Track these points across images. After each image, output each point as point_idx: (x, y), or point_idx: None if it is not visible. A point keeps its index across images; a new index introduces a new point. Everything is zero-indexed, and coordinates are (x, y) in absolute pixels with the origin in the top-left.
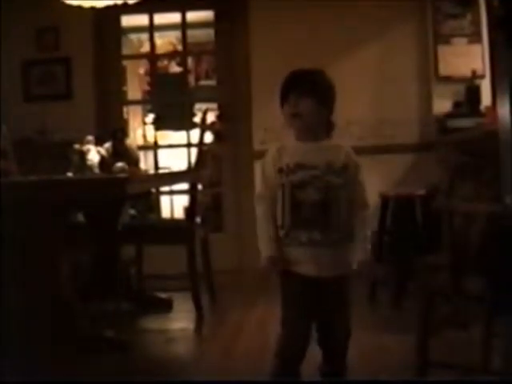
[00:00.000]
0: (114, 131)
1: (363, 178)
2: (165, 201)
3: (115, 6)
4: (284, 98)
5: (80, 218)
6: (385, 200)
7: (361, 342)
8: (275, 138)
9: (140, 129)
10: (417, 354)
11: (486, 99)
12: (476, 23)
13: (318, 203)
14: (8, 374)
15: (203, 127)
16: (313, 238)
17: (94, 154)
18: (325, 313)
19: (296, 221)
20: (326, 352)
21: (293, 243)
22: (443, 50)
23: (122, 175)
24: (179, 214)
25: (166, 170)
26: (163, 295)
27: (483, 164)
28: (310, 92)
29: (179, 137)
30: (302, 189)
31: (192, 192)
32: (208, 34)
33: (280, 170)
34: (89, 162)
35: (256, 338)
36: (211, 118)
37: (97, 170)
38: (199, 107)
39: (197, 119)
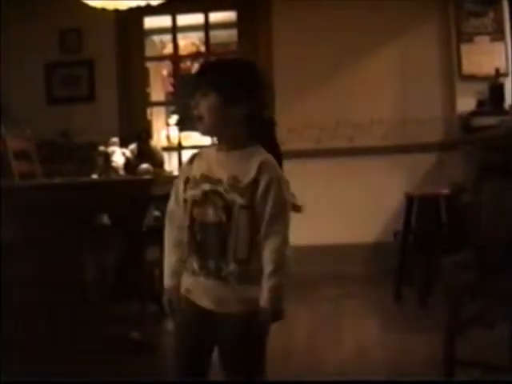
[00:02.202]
0: (138, 133)
1: (281, 199)
2: None
3: (138, 7)
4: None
5: (105, 219)
6: (409, 199)
7: (387, 341)
8: (298, 138)
9: (164, 130)
10: (444, 353)
11: (509, 97)
12: (499, 21)
13: (214, 226)
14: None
15: None
16: (207, 266)
17: (118, 156)
18: (222, 351)
19: (191, 245)
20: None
21: (188, 271)
22: (466, 49)
23: (147, 177)
24: None
25: None
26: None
27: (508, 161)
28: (209, 88)
29: (203, 138)
30: (200, 207)
31: None
32: (231, 34)
33: (186, 182)
34: (113, 164)
35: (280, 340)
36: None
37: (122, 172)
38: None
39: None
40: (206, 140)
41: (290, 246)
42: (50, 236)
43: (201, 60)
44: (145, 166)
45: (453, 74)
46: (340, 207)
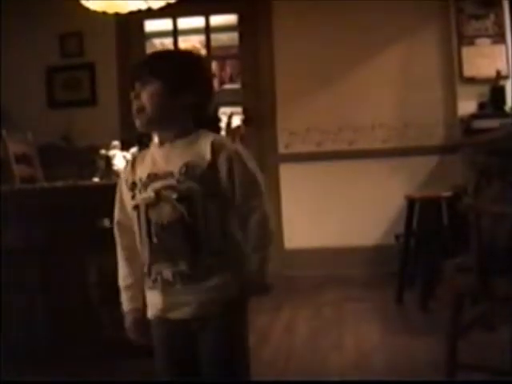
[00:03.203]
0: (139, 136)
1: (249, 173)
2: None
3: (139, 11)
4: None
5: (106, 223)
6: (411, 202)
7: (388, 344)
8: (300, 141)
9: None
10: (445, 356)
11: (510, 100)
12: (499, 24)
13: (176, 223)
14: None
15: (228, 131)
16: (179, 270)
17: (119, 159)
18: (207, 357)
19: (153, 252)
20: None
21: (155, 285)
22: (467, 51)
23: None
24: None
25: None
26: None
27: (509, 164)
28: (153, 77)
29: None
30: (155, 207)
31: None
32: (232, 37)
33: (133, 187)
34: (115, 168)
35: (281, 343)
36: (236, 121)
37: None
38: (224, 111)
39: (221, 123)
40: None
41: (272, 219)
42: (51, 239)
43: None
44: None
45: (454, 76)
46: (341, 210)
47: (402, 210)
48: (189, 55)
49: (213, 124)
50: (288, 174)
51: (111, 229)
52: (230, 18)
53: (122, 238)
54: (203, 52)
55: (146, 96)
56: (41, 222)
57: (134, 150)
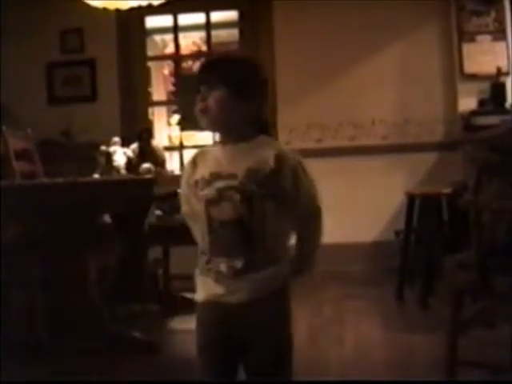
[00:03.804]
0: (139, 132)
1: (307, 180)
2: None
3: (139, 7)
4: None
5: (107, 219)
6: (411, 199)
7: (388, 341)
8: (300, 138)
9: (165, 130)
10: (446, 353)
11: (511, 96)
12: (500, 20)
13: (235, 222)
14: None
15: None
16: (233, 266)
17: (120, 156)
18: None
19: (214, 246)
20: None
21: (210, 272)
22: (468, 48)
23: (149, 176)
24: None
25: None
26: (190, 296)
27: (509, 161)
28: (218, 82)
29: (205, 137)
30: (217, 205)
31: None
32: (232, 34)
33: (196, 183)
34: (115, 164)
35: None
36: None
37: (123, 172)
38: None
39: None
40: (207, 139)
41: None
42: (51, 236)
43: (202, 59)
44: (146, 165)
45: (454, 73)
46: (341, 206)
47: (401, 207)
48: (253, 62)
49: (265, 128)
50: None
51: (111, 225)
52: (230, 15)
53: (194, 223)
54: (204, 48)
55: (212, 100)
56: (41, 218)
57: (134, 146)
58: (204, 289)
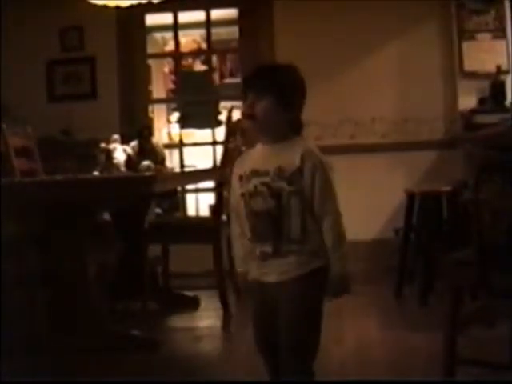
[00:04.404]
0: (139, 130)
1: (327, 181)
2: (190, 199)
3: (140, 4)
4: (243, 97)
5: (106, 216)
6: (410, 197)
7: (387, 339)
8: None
9: (165, 127)
10: (445, 351)
11: (511, 95)
12: (500, 19)
13: (265, 213)
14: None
15: (229, 125)
16: (265, 250)
17: (120, 153)
18: (283, 310)
19: (252, 233)
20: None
21: (253, 257)
22: (468, 46)
23: (148, 174)
24: (205, 212)
25: (192, 169)
26: (190, 293)
27: (509, 159)
28: (266, 92)
29: (204, 135)
30: (254, 198)
31: (217, 190)
32: (232, 31)
33: (240, 178)
34: (115, 161)
35: None
36: (237, 116)
37: (123, 169)
38: (224, 105)
39: (222, 117)
40: (207, 137)
41: (342, 219)
42: (51, 233)
43: (202, 57)
44: (146, 163)
45: (454, 71)
46: (341, 204)
47: (401, 205)
48: (296, 71)
49: (300, 128)
50: None
51: (111, 223)
52: (230, 13)
53: (233, 218)
54: (204, 46)
55: (259, 108)
56: (40, 215)
57: (133, 143)
58: (251, 270)
